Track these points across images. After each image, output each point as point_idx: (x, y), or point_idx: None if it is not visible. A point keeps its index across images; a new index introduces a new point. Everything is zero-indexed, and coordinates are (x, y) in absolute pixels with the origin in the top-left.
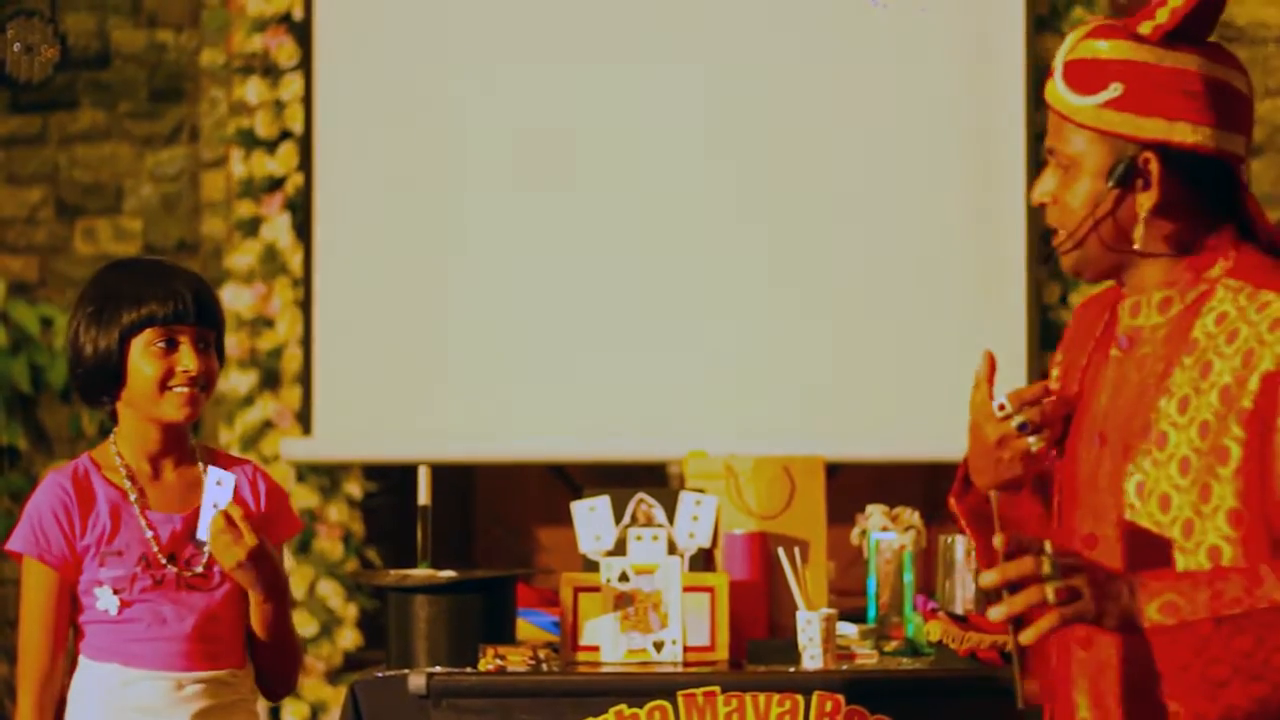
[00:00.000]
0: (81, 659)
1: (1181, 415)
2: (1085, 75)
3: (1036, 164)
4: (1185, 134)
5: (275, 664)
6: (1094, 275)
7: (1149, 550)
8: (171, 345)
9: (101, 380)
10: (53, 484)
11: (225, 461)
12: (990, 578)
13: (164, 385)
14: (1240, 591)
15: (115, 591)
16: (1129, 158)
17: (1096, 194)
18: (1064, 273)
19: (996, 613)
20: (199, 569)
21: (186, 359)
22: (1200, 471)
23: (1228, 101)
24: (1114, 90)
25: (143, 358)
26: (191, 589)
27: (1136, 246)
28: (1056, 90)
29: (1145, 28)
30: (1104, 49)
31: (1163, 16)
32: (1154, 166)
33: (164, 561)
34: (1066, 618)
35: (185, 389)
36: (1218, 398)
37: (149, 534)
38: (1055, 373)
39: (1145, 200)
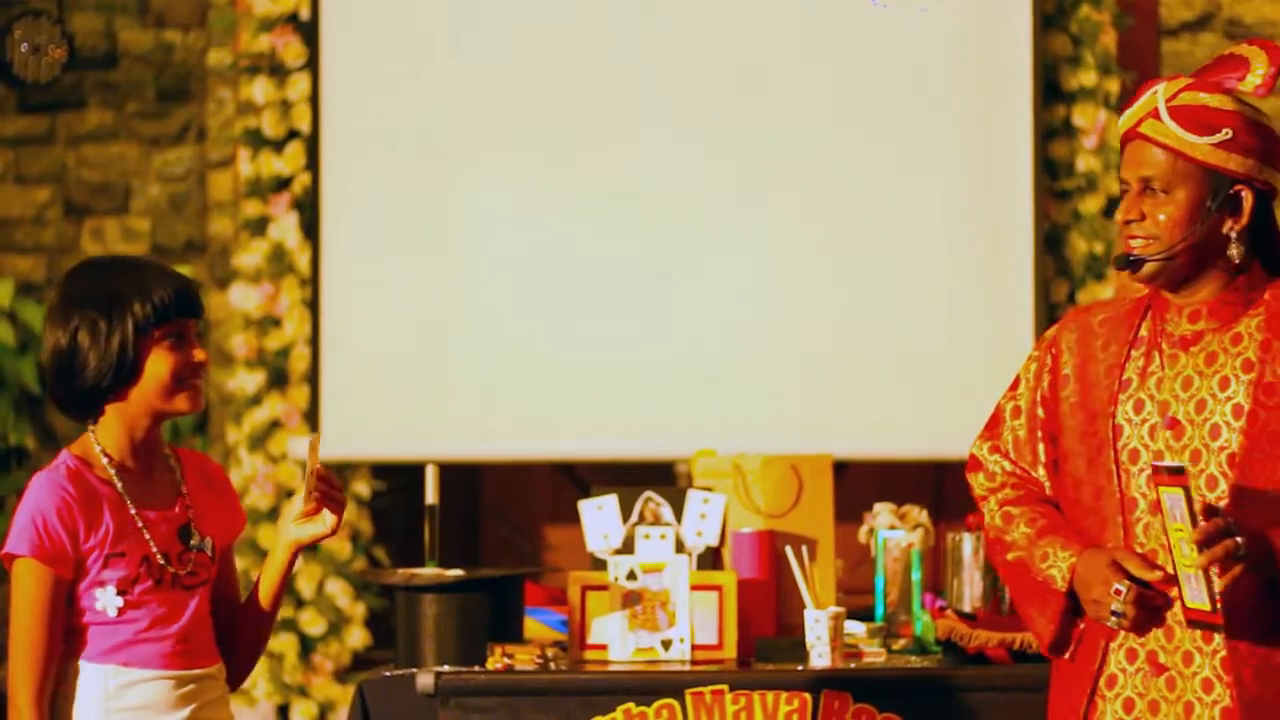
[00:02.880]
0: (80, 665)
1: (1269, 399)
2: (1198, 119)
3: (1044, 162)
4: (1267, 175)
5: (259, 641)
6: (1165, 283)
7: (1242, 505)
8: (180, 339)
9: (113, 381)
10: (52, 485)
11: (188, 456)
12: (1195, 535)
13: (178, 379)
14: None
15: (119, 592)
16: (1227, 188)
17: (1196, 216)
18: (1136, 277)
19: (1200, 561)
20: (190, 568)
21: (198, 351)
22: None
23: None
24: (1225, 134)
25: (157, 353)
26: (185, 589)
27: (1236, 263)
28: (1167, 128)
29: (1247, 86)
30: (1212, 101)
31: (1260, 79)
32: (1248, 197)
33: (162, 561)
34: (1248, 566)
35: (197, 381)
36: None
37: (146, 534)
38: (1042, 364)
39: (1237, 225)
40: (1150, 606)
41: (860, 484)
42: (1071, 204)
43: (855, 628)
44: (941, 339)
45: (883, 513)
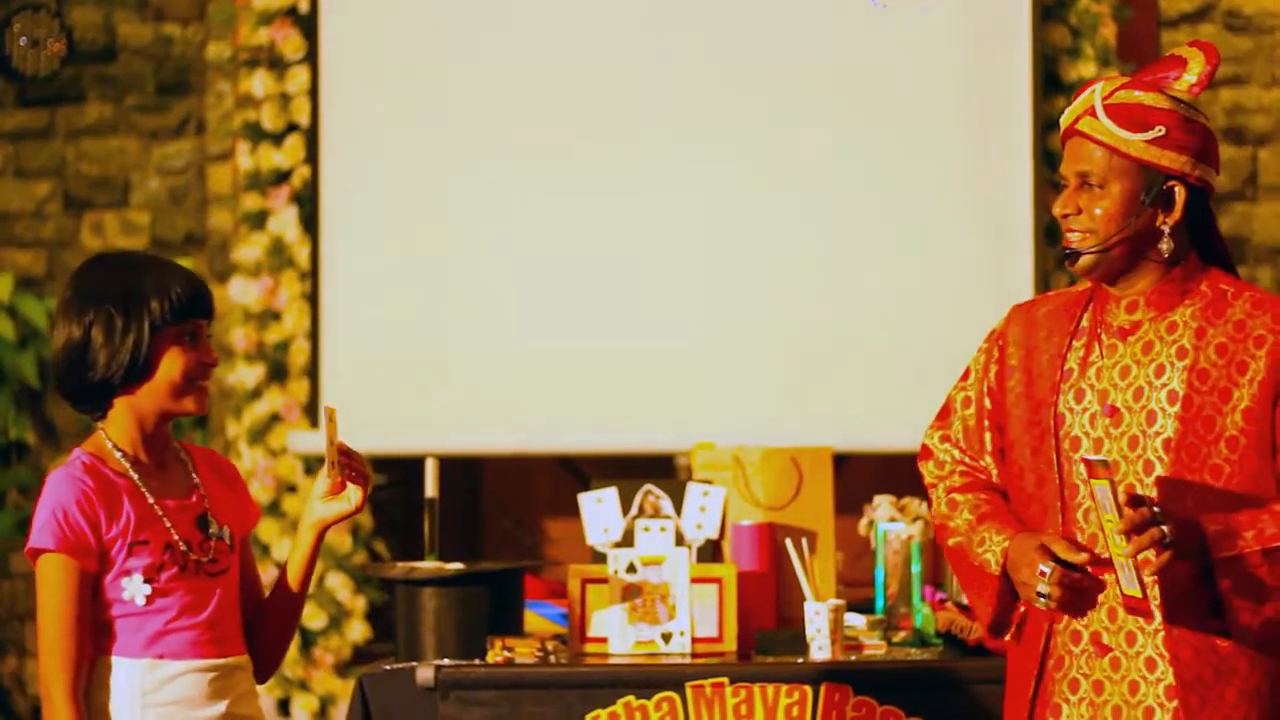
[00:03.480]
0: (113, 660)
1: (1202, 384)
2: (1131, 116)
3: (1044, 154)
4: (1201, 172)
5: (288, 627)
6: (1103, 276)
7: (1177, 491)
8: (194, 339)
9: (124, 378)
10: (70, 479)
11: (198, 451)
12: (1121, 525)
13: (189, 379)
14: (1276, 529)
15: (146, 580)
16: (1160, 184)
17: (1130, 210)
18: (1075, 270)
19: (1128, 550)
20: (211, 555)
21: (210, 351)
22: (1209, 409)
23: (1216, 148)
24: (1158, 131)
25: (171, 352)
26: (210, 576)
27: (1165, 256)
28: (1103, 125)
29: (1182, 85)
30: (1146, 99)
31: (1194, 78)
32: (1180, 192)
33: (184, 549)
34: (1175, 553)
35: (204, 382)
36: (1215, 353)
37: (167, 522)
38: (990, 356)
39: (1169, 219)
40: (1077, 589)
41: (860, 476)
42: None
43: (855, 620)
44: (942, 331)
45: (883, 505)
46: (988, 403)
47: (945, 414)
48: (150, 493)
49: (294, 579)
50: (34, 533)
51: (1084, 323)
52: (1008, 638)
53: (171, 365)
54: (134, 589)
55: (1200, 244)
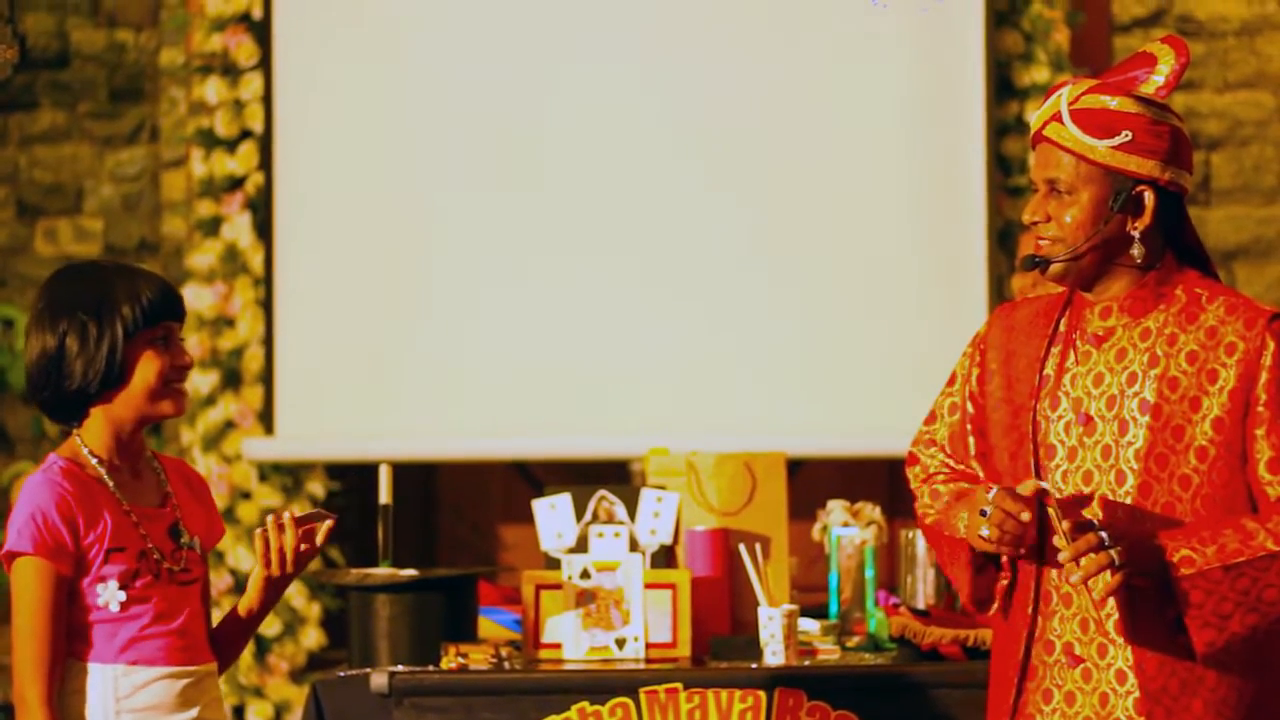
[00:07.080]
0: (86, 665)
1: (1172, 393)
2: (1098, 122)
3: (997, 159)
4: (1171, 175)
5: (241, 645)
6: (1075, 282)
7: (1147, 503)
8: (166, 342)
9: (101, 385)
10: (49, 482)
11: (169, 462)
12: (1066, 554)
13: (165, 382)
14: (1238, 544)
15: (121, 586)
16: (1129, 189)
17: (1099, 216)
18: (1046, 277)
19: (1075, 578)
20: (183, 565)
21: (184, 353)
22: (1177, 418)
23: (1188, 149)
24: (1125, 136)
25: (146, 357)
26: (181, 584)
27: (1138, 262)
28: (1069, 132)
29: (1150, 87)
30: (1112, 103)
31: (1162, 79)
32: (1150, 197)
33: (158, 557)
34: (1128, 575)
35: (181, 384)
36: (1186, 360)
37: (142, 530)
38: (972, 360)
39: (1139, 224)
40: (1015, 531)
41: (815, 481)
42: (1024, 201)
43: (809, 625)
44: (895, 336)
45: (836, 510)
46: (970, 407)
47: (931, 419)
48: (126, 500)
49: (242, 611)
50: (11, 534)
51: (1060, 328)
52: (992, 613)
53: (147, 369)
54: (109, 595)
55: (1176, 245)
